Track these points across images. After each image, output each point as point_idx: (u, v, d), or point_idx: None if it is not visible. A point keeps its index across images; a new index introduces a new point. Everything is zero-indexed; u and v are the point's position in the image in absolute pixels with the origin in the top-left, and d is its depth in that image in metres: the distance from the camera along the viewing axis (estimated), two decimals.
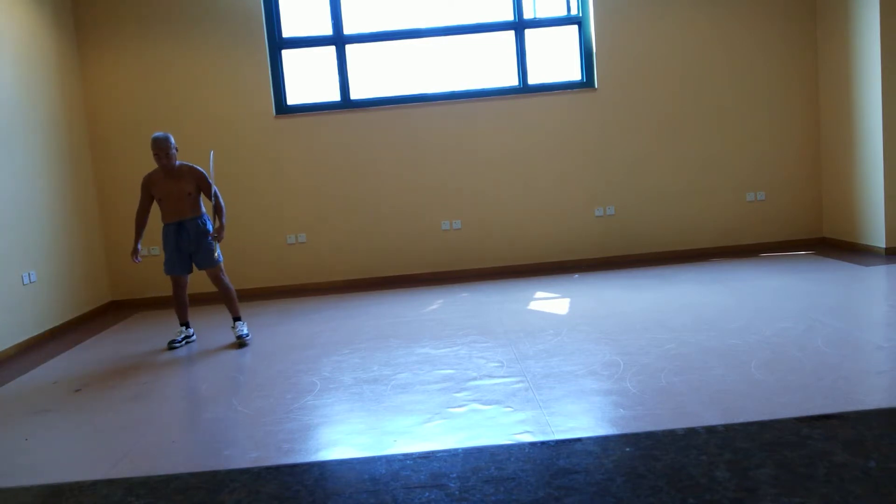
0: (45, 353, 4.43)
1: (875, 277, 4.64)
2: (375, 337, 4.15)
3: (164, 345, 4.38)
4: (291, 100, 5.97)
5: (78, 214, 5.54)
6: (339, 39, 5.88)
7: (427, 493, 2.07)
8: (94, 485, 2.36)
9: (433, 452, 2.39)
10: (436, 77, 5.99)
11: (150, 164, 5.88)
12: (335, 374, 3.46)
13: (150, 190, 4.20)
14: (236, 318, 4.32)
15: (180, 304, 4.36)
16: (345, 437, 2.64)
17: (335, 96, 5.96)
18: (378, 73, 5.98)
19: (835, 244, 5.94)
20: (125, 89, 5.81)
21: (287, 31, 5.90)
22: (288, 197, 5.91)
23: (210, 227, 4.23)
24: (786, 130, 6.01)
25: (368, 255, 6.02)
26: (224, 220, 4.17)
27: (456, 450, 2.39)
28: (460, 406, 2.86)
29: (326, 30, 5.89)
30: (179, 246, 4.19)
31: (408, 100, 5.94)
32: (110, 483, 2.37)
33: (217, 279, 4.25)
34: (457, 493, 2.06)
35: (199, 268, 4.24)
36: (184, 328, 4.39)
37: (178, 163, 4.17)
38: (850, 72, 5.53)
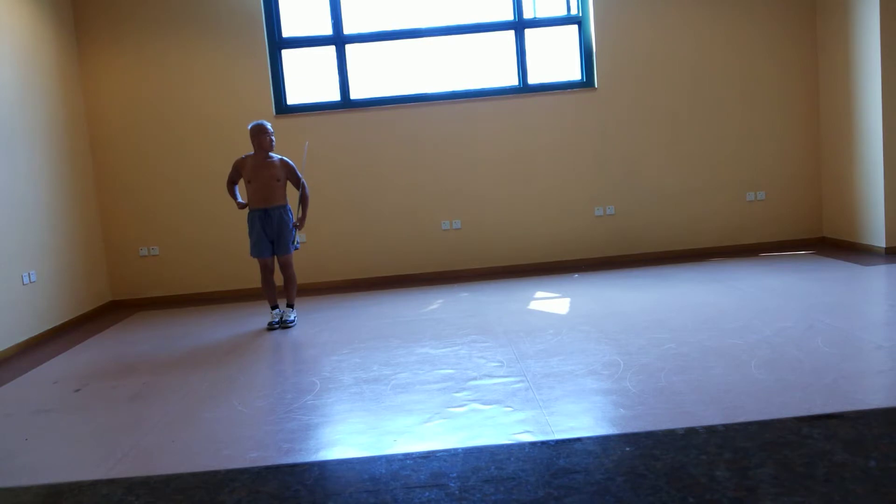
0: (45, 353, 4.43)
1: (875, 277, 4.64)
2: (375, 337, 4.15)
3: (171, 343, 4.40)
4: (291, 100, 5.97)
5: (78, 214, 5.54)
6: (339, 39, 5.88)
7: (427, 493, 2.07)
8: (94, 485, 2.36)
9: (433, 452, 2.38)
10: (436, 77, 5.99)
11: (151, 163, 5.89)
12: (335, 373, 3.46)
13: (239, 170, 4.61)
14: (290, 305, 4.74)
15: (268, 287, 4.69)
16: (345, 436, 2.64)
17: (335, 96, 5.96)
18: (378, 73, 5.98)
19: (835, 244, 5.94)
20: (125, 88, 5.81)
21: (287, 31, 5.90)
22: (287, 197, 5.91)
23: (291, 216, 4.65)
24: (786, 130, 6.02)
25: (368, 255, 6.02)
26: (307, 210, 4.69)
27: (456, 449, 2.39)
28: (460, 406, 2.86)
29: (326, 30, 5.89)
30: (265, 231, 4.54)
31: (408, 100, 5.94)
32: (110, 483, 2.37)
33: (286, 266, 4.64)
34: (457, 492, 2.06)
35: (276, 253, 4.60)
36: (276, 310, 4.70)
37: (271, 154, 4.60)
38: (851, 71, 5.53)
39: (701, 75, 5.93)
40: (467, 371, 3.33)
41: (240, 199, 4.62)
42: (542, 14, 5.93)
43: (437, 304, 4.94)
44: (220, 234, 5.94)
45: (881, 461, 2.03)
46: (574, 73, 6.01)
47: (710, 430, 2.36)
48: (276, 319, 4.63)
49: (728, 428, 2.36)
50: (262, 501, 2.11)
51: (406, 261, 6.04)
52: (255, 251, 4.58)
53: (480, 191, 5.99)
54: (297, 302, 5.35)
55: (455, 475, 2.18)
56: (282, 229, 4.56)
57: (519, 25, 5.91)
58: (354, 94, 5.95)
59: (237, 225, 5.82)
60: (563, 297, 4.84)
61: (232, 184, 4.68)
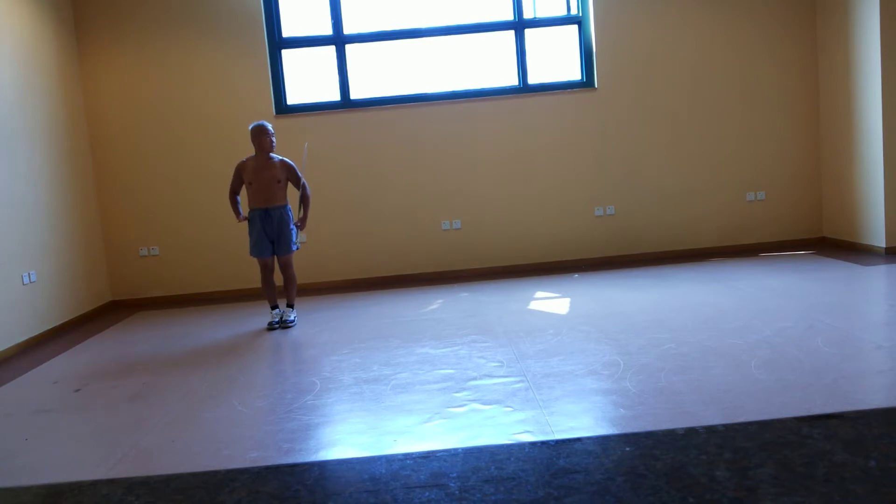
0: (45, 353, 4.43)
1: (875, 277, 4.64)
2: (375, 337, 4.15)
3: (171, 343, 4.40)
4: (291, 99, 5.97)
5: (78, 214, 5.54)
6: (338, 39, 5.88)
7: (427, 493, 2.07)
8: (94, 485, 2.36)
9: (433, 452, 2.38)
10: (436, 77, 5.99)
11: (151, 163, 5.89)
12: (335, 373, 3.46)
13: (241, 175, 4.59)
14: (290, 305, 4.76)
15: (268, 287, 4.71)
16: (345, 436, 2.64)
17: (335, 96, 5.96)
18: (378, 73, 5.98)
19: (835, 244, 5.94)
20: (125, 88, 5.81)
21: (287, 31, 5.90)
22: (287, 197, 5.91)
23: (292, 216, 4.67)
24: (786, 130, 6.02)
25: (368, 255, 6.02)
26: (308, 210, 4.70)
27: (456, 449, 2.39)
28: (460, 406, 2.86)
29: (326, 30, 5.89)
30: (265, 230, 4.55)
31: (408, 100, 5.94)
32: (110, 483, 2.37)
33: (287, 266, 4.67)
34: (457, 492, 2.06)
35: (277, 253, 4.62)
36: (276, 310, 4.71)
37: (272, 155, 4.60)
38: (851, 71, 5.53)
39: (701, 75, 5.93)
40: (467, 371, 3.33)
41: (241, 213, 4.61)
42: (542, 14, 5.93)
43: (437, 304, 4.94)
44: (220, 234, 5.94)
45: (881, 461, 2.03)
46: (574, 73, 6.01)
47: (710, 430, 2.36)
48: (276, 319, 4.64)
49: (728, 428, 2.36)
50: (262, 501, 2.11)
51: (406, 261, 6.04)
52: (255, 251, 4.59)
53: (480, 191, 5.99)
54: (297, 302, 5.36)
55: (455, 475, 2.18)
56: (282, 229, 4.57)
57: (519, 25, 5.91)
58: (354, 94, 5.95)
59: (237, 225, 5.83)
60: (563, 297, 4.84)
61: (234, 194, 4.66)
